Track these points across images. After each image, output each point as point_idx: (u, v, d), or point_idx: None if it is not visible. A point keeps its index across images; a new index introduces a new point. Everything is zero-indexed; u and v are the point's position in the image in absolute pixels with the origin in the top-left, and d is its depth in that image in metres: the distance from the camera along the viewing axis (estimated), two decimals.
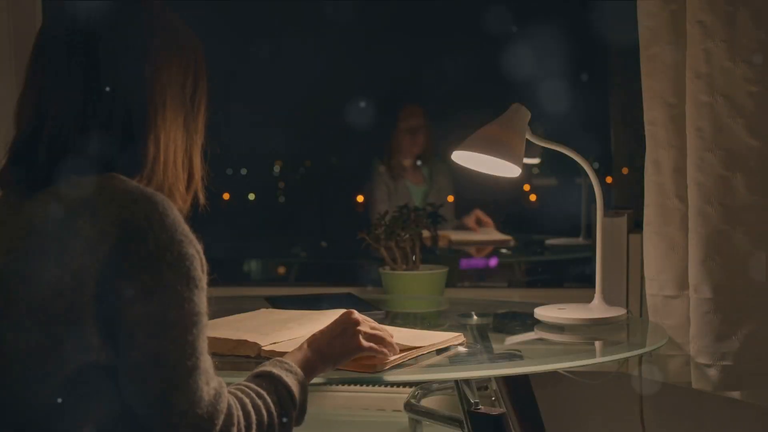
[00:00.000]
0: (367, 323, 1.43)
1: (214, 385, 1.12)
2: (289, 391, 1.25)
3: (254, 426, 1.17)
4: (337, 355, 1.37)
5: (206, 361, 1.12)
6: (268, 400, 1.22)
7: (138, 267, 1.08)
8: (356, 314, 1.42)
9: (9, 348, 1.09)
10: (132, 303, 1.08)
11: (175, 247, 1.09)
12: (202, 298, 1.12)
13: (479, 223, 3.37)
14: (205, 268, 1.15)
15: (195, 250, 1.12)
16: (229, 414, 1.13)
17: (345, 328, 1.40)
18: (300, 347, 1.36)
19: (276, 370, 1.27)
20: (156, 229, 1.09)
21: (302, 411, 1.29)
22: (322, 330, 1.40)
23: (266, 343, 1.55)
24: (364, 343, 1.40)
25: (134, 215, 1.09)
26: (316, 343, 1.36)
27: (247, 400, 1.18)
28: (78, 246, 1.08)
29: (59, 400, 1.08)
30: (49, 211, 1.12)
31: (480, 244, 3.33)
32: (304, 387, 1.29)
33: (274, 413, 1.21)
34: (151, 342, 1.08)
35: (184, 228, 1.12)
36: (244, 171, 4.16)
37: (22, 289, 1.10)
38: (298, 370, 1.29)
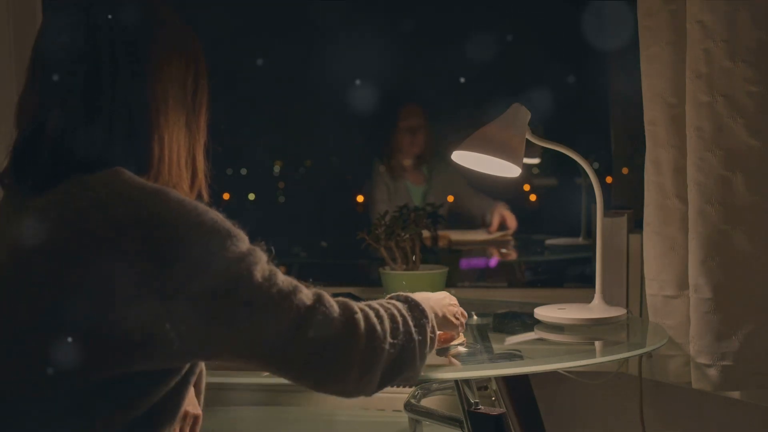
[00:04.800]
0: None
1: (306, 292, 1.14)
2: (421, 310, 1.30)
3: (386, 319, 1.21)
4: (437, 310, 1.46)
5: (287, 280, 1.13)
6: (399, 306, 1.27)
7: (167, 260, 1.04)
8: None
9: (8, 351, 1.08)
10: (180, 295, 1.04)
11: (196, 228, 1.07)
12: (238, 242, 1.10)
13: (503, 226, 3.35)
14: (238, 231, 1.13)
15: (213, 218, 1.10)
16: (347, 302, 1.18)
17: (445, 296, 1.51)
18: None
19: (404, 294, 1.33)
20: (177, 217, 1.07)
21: (432, 338, 1.32)
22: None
23: None
24: (456, 316, 1.51)
25: (149, 209, 1.07)
26: (418, 295, 1.38)
27: (374, 304, 1.24)
28: (92, 246, 1.05)
29: (57, 404, 1.07)
30: (55, 211, 1.10)
31: (480, 245, 3.32)
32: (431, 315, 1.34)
33: (408, 318, 1.26)
34: (237, 311, 1.07)
35: (199, 208, 1.10)
36: (244, 171, 4.16)
37: (27, 294, 1.07)
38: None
